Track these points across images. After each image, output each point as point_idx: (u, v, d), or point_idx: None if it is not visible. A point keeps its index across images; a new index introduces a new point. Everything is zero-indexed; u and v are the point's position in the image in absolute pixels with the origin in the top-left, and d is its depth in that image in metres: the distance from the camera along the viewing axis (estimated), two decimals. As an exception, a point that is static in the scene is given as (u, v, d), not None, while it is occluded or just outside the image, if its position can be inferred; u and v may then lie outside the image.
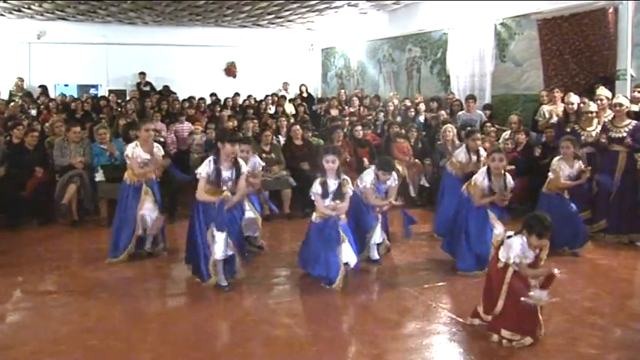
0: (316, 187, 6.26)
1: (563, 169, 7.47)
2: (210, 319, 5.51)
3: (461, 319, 5.37)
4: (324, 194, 6.20)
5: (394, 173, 7.09)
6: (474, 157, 8.05)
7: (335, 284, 6.14)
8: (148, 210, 7.22)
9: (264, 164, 8.01)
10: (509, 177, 6.76)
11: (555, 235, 7.44)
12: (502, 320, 4.95)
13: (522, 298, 4.80)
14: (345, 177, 6.37)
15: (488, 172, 6.68)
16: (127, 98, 15.52)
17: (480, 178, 6.70)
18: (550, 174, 7.55)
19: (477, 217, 6.74)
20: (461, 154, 8.19)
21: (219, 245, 5.97)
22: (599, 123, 8.40)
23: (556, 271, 4.84)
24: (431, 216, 9.10)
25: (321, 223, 6.29)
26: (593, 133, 8.30)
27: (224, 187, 5.98)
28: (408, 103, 13.38)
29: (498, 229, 6.54)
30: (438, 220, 8.47)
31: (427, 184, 10.83)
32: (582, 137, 8.33)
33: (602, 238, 8.09)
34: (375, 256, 7.24)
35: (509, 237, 5.03)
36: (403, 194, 10.82)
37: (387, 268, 7.08)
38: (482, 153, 8.12)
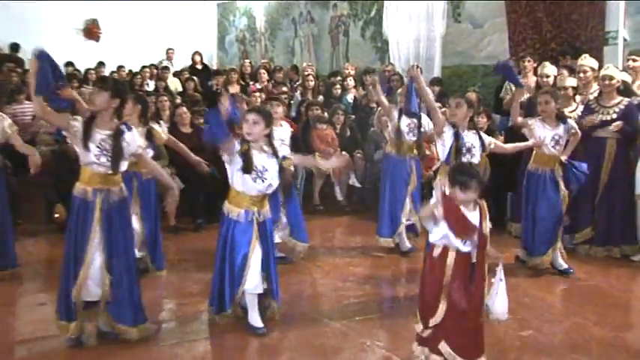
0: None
1: (539, 131, 7.51)
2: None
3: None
4: (247, 168, 5.81)
5: None
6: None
7: (226, 312, 5.98)
8: None
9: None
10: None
11: (534, 231, 7.62)
12: (443, 330, 4.95)
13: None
14: (286, 154, 6.12)
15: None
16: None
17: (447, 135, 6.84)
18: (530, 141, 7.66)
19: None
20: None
21: None
22: (581, 102, 8.58)
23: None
24: (365, 226, 9.12)
25: (234, 220, 5.92)
26: (573, 115, 8.44)
27: (91, 155, 5.52)
28: (333, 76, 13.37)
29: None
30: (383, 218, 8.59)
31: (358, 184, 10.87)
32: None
33: (587, 251, 8.26)
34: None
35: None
36: (327, 197, 10.91)
37: (306, 296, 7.05)
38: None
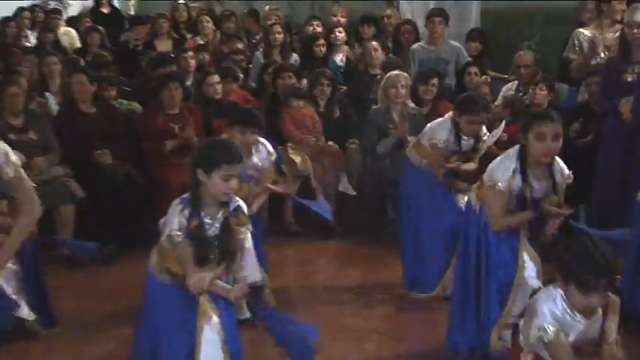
0: (177, 224, 5.46)
1: None
2: None
3: None
4: (201, 259, 5.45)
5: None
6: (469, 141, 8.14)
7: None
8: None
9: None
10: (561, 165, 6.42)
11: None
12: None
13: None
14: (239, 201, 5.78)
15: (522, 160, 6.34)
16: None
17: (503, 172, 6.36)
18: None
19: (499, 252, 6.51)
20: (443, 132, 8.19)
21: None
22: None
23: None
24: (363, 254, 9.11)
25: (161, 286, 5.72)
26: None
27: None
28: (314, 25, 13.33)
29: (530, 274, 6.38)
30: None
31: (352, 191, 10.79)
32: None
33: None
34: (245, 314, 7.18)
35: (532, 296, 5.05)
36: (306, 212, 10.83)
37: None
38: (484, 131, 8.21)
